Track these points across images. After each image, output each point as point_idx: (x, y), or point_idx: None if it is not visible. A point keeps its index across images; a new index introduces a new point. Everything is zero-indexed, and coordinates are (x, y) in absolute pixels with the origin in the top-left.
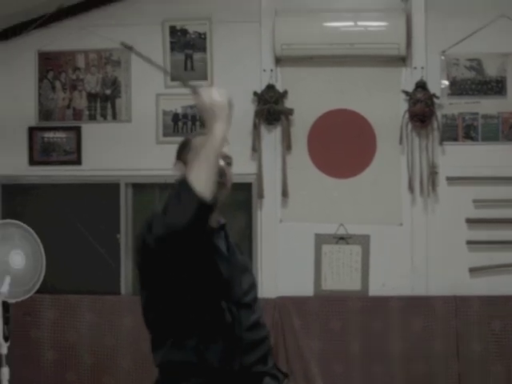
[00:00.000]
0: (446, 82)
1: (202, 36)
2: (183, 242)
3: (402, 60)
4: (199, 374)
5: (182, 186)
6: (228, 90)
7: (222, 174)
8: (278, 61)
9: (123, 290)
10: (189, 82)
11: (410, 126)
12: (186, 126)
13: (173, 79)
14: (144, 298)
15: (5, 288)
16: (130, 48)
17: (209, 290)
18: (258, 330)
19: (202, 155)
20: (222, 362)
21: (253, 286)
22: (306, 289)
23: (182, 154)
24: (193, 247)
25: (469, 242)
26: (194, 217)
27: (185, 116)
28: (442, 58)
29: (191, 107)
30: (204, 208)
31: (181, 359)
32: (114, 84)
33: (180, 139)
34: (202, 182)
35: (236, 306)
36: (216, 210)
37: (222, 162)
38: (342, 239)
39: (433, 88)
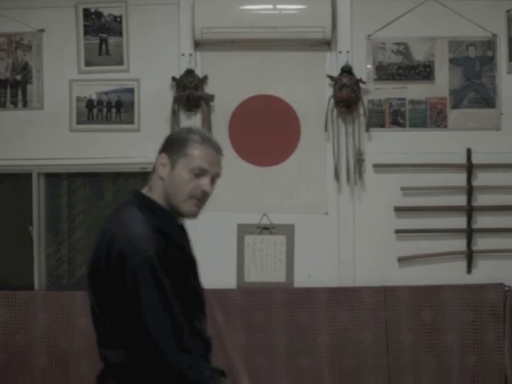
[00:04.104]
0: (372, 67)
1: (118, 19)
2: None
3: (327, 44)
4: None
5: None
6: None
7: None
8: (198, 45)
9: (37, 286)
10: None
11: (335, 112)
12: (101, 113)
13: None
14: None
15: None
16: None
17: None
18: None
19: None
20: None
21: None
22: (229, 281)
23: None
24: None
25: (397, 231)
26: None
27: (100, 103)
28: (368, 41)
29: (106, 93)
30: None
31: None
32: (25, 69)
33: (94, 126)
34: None
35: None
36: None
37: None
38: (265, 229)
39: (359, 73)
